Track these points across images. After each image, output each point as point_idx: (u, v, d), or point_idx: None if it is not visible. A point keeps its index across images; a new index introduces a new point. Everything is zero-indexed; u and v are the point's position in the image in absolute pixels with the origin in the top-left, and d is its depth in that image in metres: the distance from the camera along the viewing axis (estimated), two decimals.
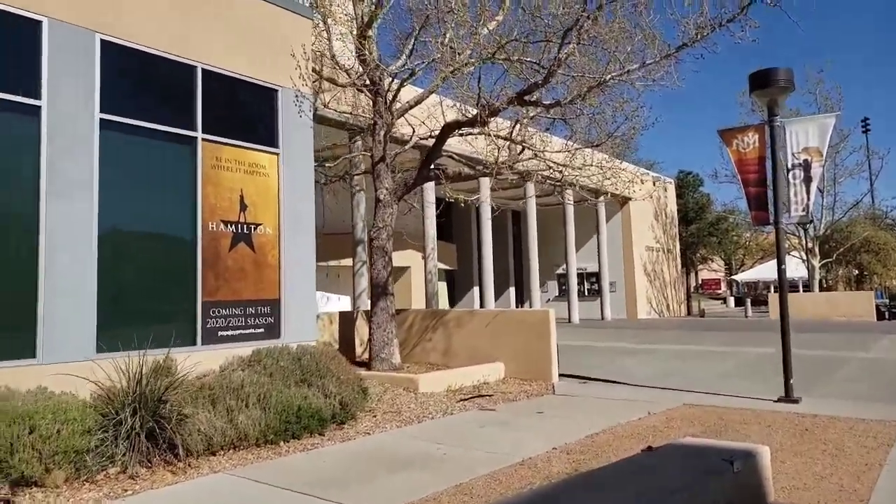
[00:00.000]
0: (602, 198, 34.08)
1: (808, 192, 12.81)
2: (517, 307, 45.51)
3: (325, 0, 16.31)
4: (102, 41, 10.34)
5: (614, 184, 17.38)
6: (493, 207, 29.53)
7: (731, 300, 70.99)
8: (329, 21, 16.40)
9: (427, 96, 16.02)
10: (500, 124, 16.98)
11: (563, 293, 41.74)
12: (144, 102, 10.93)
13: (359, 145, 21.68)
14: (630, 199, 41.26)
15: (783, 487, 7.07)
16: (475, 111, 14.30)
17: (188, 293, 11.22)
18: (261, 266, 12.31)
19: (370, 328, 15.82)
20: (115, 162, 10.33)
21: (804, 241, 49.16)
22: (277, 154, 12.78)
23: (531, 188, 31.79)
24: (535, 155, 16.11)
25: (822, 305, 39.36)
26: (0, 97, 9.23)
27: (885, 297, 51.21)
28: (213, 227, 11.58)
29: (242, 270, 12.00)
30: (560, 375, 15.23)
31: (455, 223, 42.87)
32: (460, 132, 16.33)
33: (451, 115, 15.88)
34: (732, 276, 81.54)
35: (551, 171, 16.58)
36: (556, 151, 16.60)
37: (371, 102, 16.33)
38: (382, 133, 15.69)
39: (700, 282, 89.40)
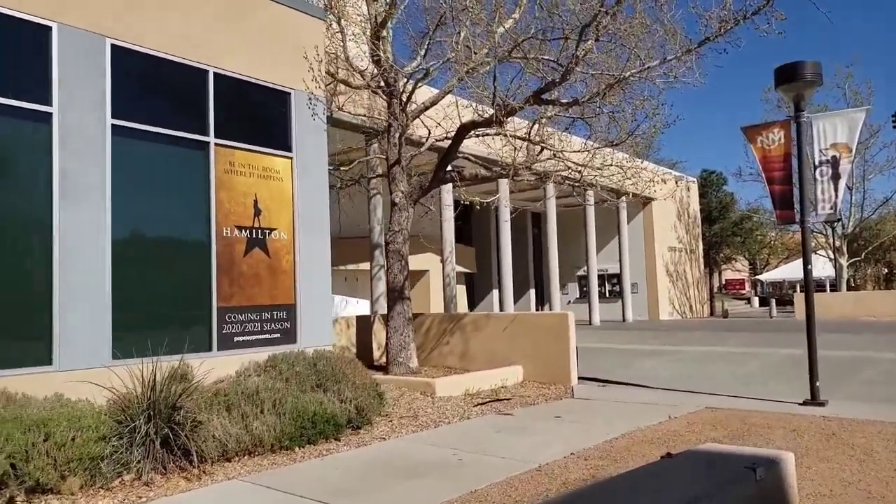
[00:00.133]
0: (623, 198, 33.87)
1: (836, 190, 12.52)
2: (537, 309, 45.37)
3: (339, 1, 16.19)
4: (113, 46, 10.32)
5: (635, 184, 17.17)
6: (511, 209, 29.42)
7: (756, 300, 70.46)
8: (343, 22, 16.28)
9: (442, 97, 15.87)
10: (517, 125, 16.82)
11: (584, 295, 41.61)
12: (156, 107, 10.90)
13: (375, 148, 21.58)
14: (652, 199, 41.07)
15: (808, 494, 6.87)
16: (491, 111, 14.12)
17: (203, 299, 11.15)
18: (276, 271, 12.23)
19: (387, 332, 15.68)
20: (127, 167, 10.30)
21: (832, 240, 48.71)
22: (291, 158, 12.70)
23: (551, 189, 31.60)
24: (554, 155, 15.93)
25: (850, 305, 39.00)
26: (12, 104, 9.23)
27: None
28: (227, 233, 11.50)
29: (257, 276, 11.92)
30: (579, 378, 15.03)
31: (474, 226, 42.74)
32: (477, 133, 16.17)
33: (467, 116, 15.72)
34: (757, 276, 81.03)
35: (570, 171, 16.40)
36: (575, 151, 16.41)
37: (386, 104, 16.19)
38: (397, 135, 15.53)
39: (724, 282, 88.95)
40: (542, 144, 15.74)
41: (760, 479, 5.46)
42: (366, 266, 24.92)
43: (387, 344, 15.72)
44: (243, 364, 10.97)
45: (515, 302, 36.01)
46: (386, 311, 16.33)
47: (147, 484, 7.59)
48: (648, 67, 12.91)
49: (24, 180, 9.30)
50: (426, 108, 15.93)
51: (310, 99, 13.02)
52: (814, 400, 11.78)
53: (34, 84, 9.44)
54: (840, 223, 46.61)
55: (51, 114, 9.50)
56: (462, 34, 14.12)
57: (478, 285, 43.04)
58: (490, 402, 12.88)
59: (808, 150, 12.62)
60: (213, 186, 11.41)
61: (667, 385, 14.43)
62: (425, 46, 15.36)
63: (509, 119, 14.99)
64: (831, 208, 12.59)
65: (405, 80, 15.56)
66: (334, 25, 16.34)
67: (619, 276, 42.22)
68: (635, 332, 30.83)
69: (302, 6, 13.27)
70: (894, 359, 17.57)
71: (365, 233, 24.07)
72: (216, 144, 11.50)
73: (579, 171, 16.23)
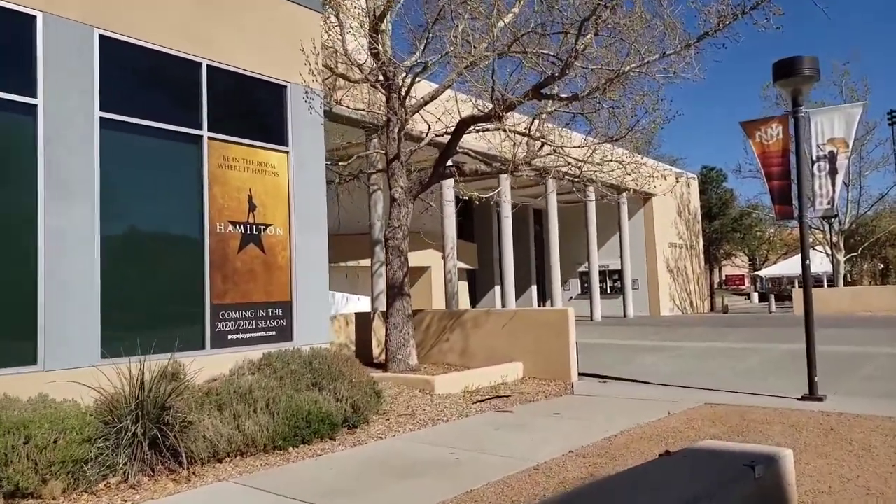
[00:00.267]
0: (624, 194, 33.80)
1: (833, 185, 12.46)
2: (539, 305, 45.32)
3: None
4: (101, 37, 10.11)
5: (635, 179, 17.08)
6: (512, 205, 29.33)
7: (755, 296, 70.45)
8: (341, 16, 16.16)
9: (442, 91, 15.75)
10: (517, 120, 16.73)
11: (586, 291, 41.55)
12: (147, 100, 10.71)
13: (375, 143, 21.47)
14: (652, 195, 41.08)
15: (807, 491, 6.76)
16: (491, 106, 14.02)
17: (196, 296, 11.01)
18: (271, 267, 12.10)
19: (386, 329, 15.58)
20: (117, 162, 10.12)
21: (829, 236, 48.75)
22: (287, 152, 12.56)
23: (551, 185, 31.53)
24: (554, 150, 15.84)
25: (847, 300, 38.97)
26: None
27: None
28: (220, 228, 11.36)
29: (252, 272, 11.79)
30: (579, 375, 14.94)
31: (476, 222, 42.71)
32: (477, 128, 16.08)
33: (467, 111, 15.62)
34: (756, 272, 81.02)
35: (570, 167, 16.31)
36: (576, 147, 16.32)
37: (385, 98, 16.08)
38: (396, 130, 15.42)
39: (724, 278, 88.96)
40: (542, 140, 15.66)
41: (759, 477, 5.36)
42: (367, 263, 24.82)
43: (386, 341, 15.62)
44: (237, 362, 10.85)
45: (517, 298, 35.93)
46: (385, 308, 16.23)
47: (133, 487, 7.44)
48: (648, 62, 12.84)
49: (7, 174, 9.11)
50: (425, 103, 15.81)
51: (306, 92, 12.89)
52: (812, 395, 11.73)
53: (18, 75, 9.25)
54: (837, 219, 46.65)
55: (36, 106, 9.30)
56: (461, 28, 14.01)
57: (480, 281, 42.94)
58: (489, 399, 12.78)
59: (806, 145, 12.55)
60: (207, 181, 11.24)
61: (667, 381, 14.34)
62: (424, 40, 15.23)
63: (509, 114, 14.89)
64: (829, 203, 12.53)
65: (404, 74, 15.45)
66: (332, 19, 16.25)
67: (620, 273, 42.19)
68: (636, 328, 30.74)
69: None
70: (892, 353, 17.44)
71: (366, 229, 23.98)
72: (209, 138, 11.33)
73: (579, 167, 16.15)
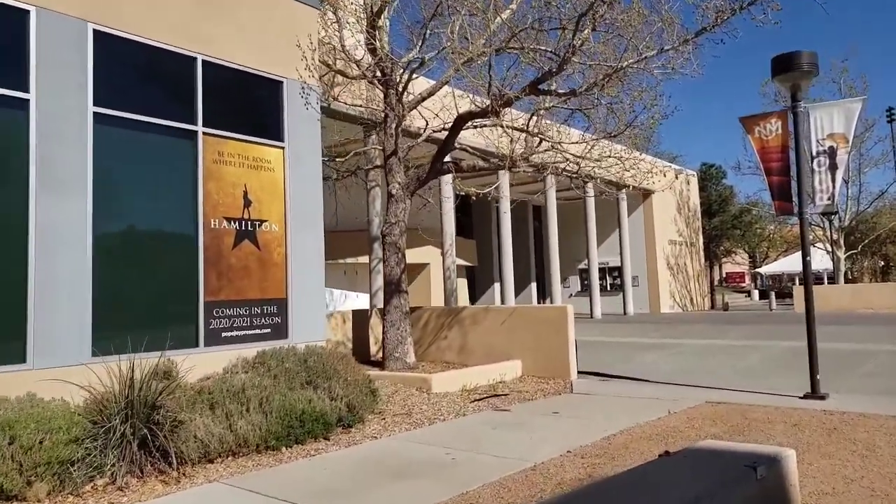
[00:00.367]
0: (623, 191, 33.74)
1: (833, 181, 12.35)
2: (539, 303, 45.29)
3: None
4: (95, 31, 9.98)
5: (634, 175, 16.95)
6: (510, 201, 29.24)
7: (756, 293, 70.49)
8: (340, 12, 16.03)
9: (439, 88, 15.63)
10: (515, 116, 16.63)
11: (586, 288, 41.50)
12: (141, 95, 10.57)
13: (373, 140, 21.35)
14: (652, 192, 41.07)
15: (811, 493, 6.63)
16: (488, 102, 13.89)
17: (189, 293, 10.86)
18: (266, 264, 11.95)
19: (383, 327, 15.45)
20: (110, 157, 9.97)
21: (829, 233, 48.71)
22: (283, 148, 12.41)
23: (550, 181, 31.44)
24: (552, 146, 15.72)
25: (848, 297, 38.88)
26: None
27: None
28: (215, 224, 11.22)
29: (247, 269, 11.65)
30: (579, 373, 14.81)
31: (475, 219, 42.62)
32: (474, 124, 15.95)
33: (465, 107, 15.50)
34: (756, 269, 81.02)
35: (568, 162, 16.20)
36: (574, 143, 16.20)
37: (382, 95, 15.95)
38: (394, 126, 15.30)
39: (724, 275, 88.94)
40: (540, 136, 15.53)
41: (762, 479, 5.23)
42: (365, 259, 24.73)
43: (383, 339, 15.50)
44: (231, 360, 10.70)
45: (517, 295, 35.88)
46: (383, 306, 16.11)
47: (121, 488, 7.29)
48: (646, 58, 12.72)
49: None
50: (423, 99, 15.70)
51: (303, 88, 12.75)
52: (814, 393, 11.61)
53: (10, 70, 9.11)
54: (837, 216, 46.62)
55: (28, 100, 9.17)
56: (458, 23, 13.88)
57: (479, 278, 42.87)
58: (487, 397, 12.65)
59: (806, 141, 12.44)
60: (201, 177, 11.08)
61: (667, 379, 14.21)
62: (422, 37, 15.09)
63: (507, 110, 14.78)
64: (829, 199, 12.43)
65: (401, 70, 15.32)
66: (330, 15, 16.11)
67: (620, 270, 42.14)
68: (636, 326, 30.63)
69: None
70: (893, 351, 17.35)
71: (364, 225, 23.88)
72: (205, 133, 11.18)
73: (577, 163, 16.04)
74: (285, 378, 9.93)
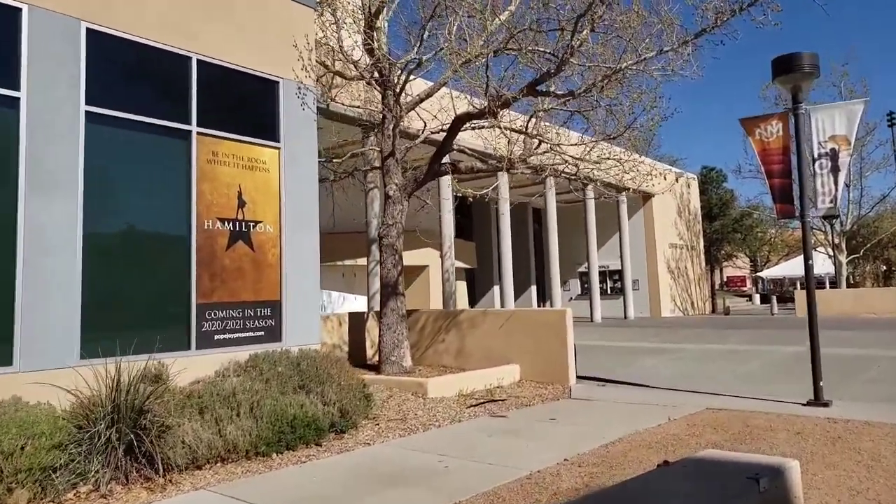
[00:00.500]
0: (623, 193, 33.63)
1: (835, 183, 12.19)
2: (539, 306, 45.21)
3: None
4: (88, 30, 9.82)
5: (633, 178, 16.79)
6: (510, 203, 29.10)
7: (757, 297, 70.40)
8: (339, 13, 15.88)
9: (437, 89, 15.48)
10: (514, 118, 16.50)
11: (586, 291, 41.38)
12: (135, 94, 10.39)
13: (372, 141, 21.22)
14: (652, 195, 41.01)
15: None
16: (486, 103, 13.73)
17: (181, 295, 10.68)
18: (260, 266, 11.77)
19: (380, 330, 15.28)
20: (102, 156, 9.80)
21: (830, 237, 48.62)
22: (279, 148, 12.24)
23: (550, 184, 31.34)
24: (551, 148, 15.57)
25: (850, 302, 38.73)
26: None
27: None
28: (208, 225, 11.04)
29: (240, 270, 11.46)
30: (578, 377, 14.64)
31: (475, 221, 42.53)
32: (473, 126, 15.82)
33: (463, 108, 15.35)
34: (757, 273, 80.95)
35: (567, 164, 16.05)
36: (572, 144, 16.06)
37: (380, 96, 15.80)
38: (391, 127, 15.15)
39: (725, 279, 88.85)
40: (539, 137, 15.38)
41: (764, 491, 5.04)
42: (364, 262, 24.58)
43: (379, 342, 15.34)
44: (223, 364, 10.53)
45: (517, 298, 35.76)
46: (379, 308, 15.94)
47: (105, 496, 7.09)
48: (645, 59, 12.59)
49: None
50: (421, 100, 15.55)
51: (299, 88, 12.58)
52: (817, 400, 11.41)
53: (1, 67, 8.96)
54: (839, 220, 46.56)
55: (18, 98, 9.00)
56: (455, 24, 13.73)
57: (479, 281, 42.75)
58: (484, 403, 12.46)
59: (807, 143, 12.29)
60: (195, 177, 10.91)
61: (667, 384, 14.03)
62: (420, 38, 14.92)
63: (506, 112, 14.65)
64: (831, 202, 12.29)
65: (399, 71, 15.16)
66: (328, 16, 15.96)
67: (620, 273, 42.01)
68: (636, 330, 30.51)
69: None
70: None
71: (362, 227, 23.74)
72: (199, 133, 11.01)
73: (576, 165, 15.89)
74: (277, 382, 9.76)
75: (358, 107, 19.05)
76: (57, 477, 6.93)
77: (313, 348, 11.74)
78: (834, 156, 12.23)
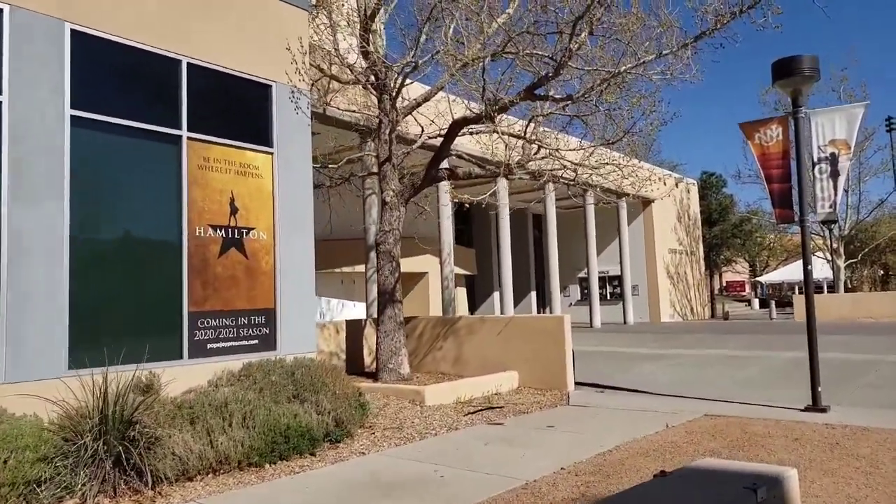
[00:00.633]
0: (623, 199, 33.60)
1: (834, 188, 12.10)
2: (539, 312, 45.17)
3: None
4: (73, 31, 9.57)
5: (633, 183, 16.70)
6: (508, 209, 29.02)
7: (756, 302, 70.42)
8: (334, 16, 15.77)
9: (435, 93, 15.38)
10: (512, 123, 16.41)
11: (585, 297, 41.36)
12: (123, 99, 10.19)
13: (370, 146, 21.13)
14: (651, 200, 40.98)
15: None
16: (483, 107, 13.63)
17: (173, 303, 10.51)
18: (254, 273, 11.63)
19: (377, 337, 15.18)
20: (89, 162, 9.61)
21: (829, 242, 48.60)
22: (272, 154, 12.09)
23: (549, 189, 31.28)
24: (549, 153, 15.48)
25: (848, 306, 38.75)
26: None
27: None
28: (200, 232, 10.88)
29: (234, 278, 11.32)
30: (576, 384, 14.55)
31: (475, 227, 42.45)
32: (470, 131, 15.72)
33: (460, 113, 15.26)
34: (757, 278, 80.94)
35: (565, 170, 15.96)
36: (571, 150, 15.96)
37: (376, 100, 15.70)
38: (388, 132, 15.05)
39: (724, 284, 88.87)
40: (538, 142, 15.29)
41: (762, 501, 4.94)
42: (363, 268, 24.47)
43: (377, 349, 15.23)
44: (217, 373, 10.40)
45: (517, 304, 35.69)
46: (377, 315, 15.85)
47: None
48: (644, 62, 12.48)
49: None
50: (418, 105, 15.46)
51: (293, 92, 12.45)
52: (816, 406, 11.35)
53: None
54: (837, 225, 46.58)
55: (0, 103, 8.83)
56: (451, 27, 13.63)
57: (479, 287, 42.69)
58: (481, 410, 12.35)
59: (807, 147, 12.20)
60: (186, 183, 10.73)
61: (666, 390, 13.93)
62: (416, 41, 14.82)
63: (504, 117, 14.56)
64: (830, 206, 12.22)
65: (396, 74, 15.05)
66: (323, 18, 15.86)
67: (619, 278, 41.94)
68: (635, 335, 30.41)
69: None
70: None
71: (361, 234, 23.64)
72: (189, 139, 10.83)
73: (575, 170, 15.80)
74: (271, 391, 9.63)
75: (354, 111, 18.94)
76: (42, 491, 6.79)
77: (309, 356, 11.59)
78: (834, 160, 12.15)
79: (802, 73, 11.71)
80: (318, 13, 15.63)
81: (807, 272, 12.01)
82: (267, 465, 8.54)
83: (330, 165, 18.62)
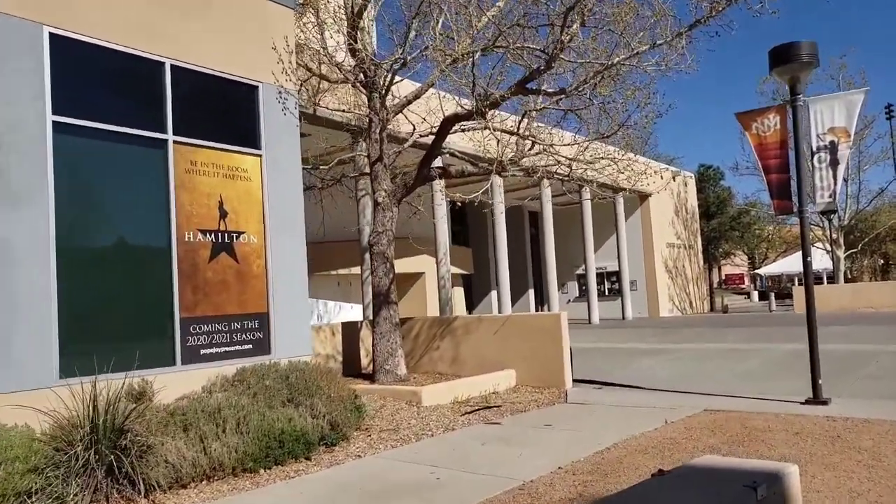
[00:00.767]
0: (619, 194, 33.48)
1: (834, 177, 11.95)
2: (537, 309, 45.07)
3: None
4: (52, 35, 9.40)
5: (628, 177, 16.56)
6: (504, 206, 28.92)
7: (755, 294, 70.28)
8: (321, 14, 15.63)
9: (425, 90, 15.23)
10: (504, 119, 16.28)
11: (584, 293, 41.27)
12: (105, 103, 10.04)
13: (362, 147, 21.00)
14: (648, 194, 40.90)
15: None
16: (474, 103, 13.48)
17: (164, 309, 10.38)
18: (245, 277, 11.51)
19: (373, 339, 15.06)
20: (73, 168, 9.46)
21: (828, 232, 48.46)
22: (260, 156, 11.96)
23: (546, 186, 31.17)
24: (543, 149, 15.35)
25: (848, 297, 38.64)
26: None
27: None
28: (189, 237, 10.75)
29: (225, 282, 11.19)
30: (574, 381, 14.45)
31: (471, 226, 42.33)
32: (462, 127, 15.59)
33: (452, 109, 15.12)
34: (756, 271, 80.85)
35: (560, 165, 15.83)
36: (565, 145, 15.84)
37: (366, 98, 15.56)
38: (378, 130, 14.91)
39: (723, 277, 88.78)
40: (531, 138, 15.16)
41: (762, 499, 4.82)
42: (358, 270, 24.36)
43: (373, 351, 15.12)
44: (210, 379, 10.27)
45: (514, 302, 35.60)
46: (372, 317, 15.73)
47: None
48: (638, 53, 12.32)
49: None
50: (408, 102, 15.32)
51: (280, 92, 12.31)
52: (816, 398, 11.21)
53: None
54: (836, 215, 46.39)
55: None
56: (440, 22, 13.50)
57: (476, 286, 42.62)
58: (478, 410, 12.24)
59: (806, 136, 12.06)
60: (173, 187, 10.59)
61: (665, 385, 13.82)
62: (405, 37, 14.68)
63: (496, 113, 14.43)
64: (830, 196, 12.06)
65: (385, 72, 14.91)
66: (310, 17, 15.73)
67: (617, 274, 41.85)
68: (634, 330, 30.34)
69: None
70: None
71: (356, 236, 23.52)
72: (175, 142, 10.69)
73: (569, 165, 15.67)
74: (265, 396, 9.51)
75: (345, 111, 18.80)
76: (33, 502, 6.67)
77: (304, 360, 11.48)
78: (833, 148, 12.01)
79: (801, 60, 11.50)
80: (304, 11, 15.50)
81: (806, 263, 11.88)
82: (262, 471, 8.43)
83: (321, 167, 18.49)
